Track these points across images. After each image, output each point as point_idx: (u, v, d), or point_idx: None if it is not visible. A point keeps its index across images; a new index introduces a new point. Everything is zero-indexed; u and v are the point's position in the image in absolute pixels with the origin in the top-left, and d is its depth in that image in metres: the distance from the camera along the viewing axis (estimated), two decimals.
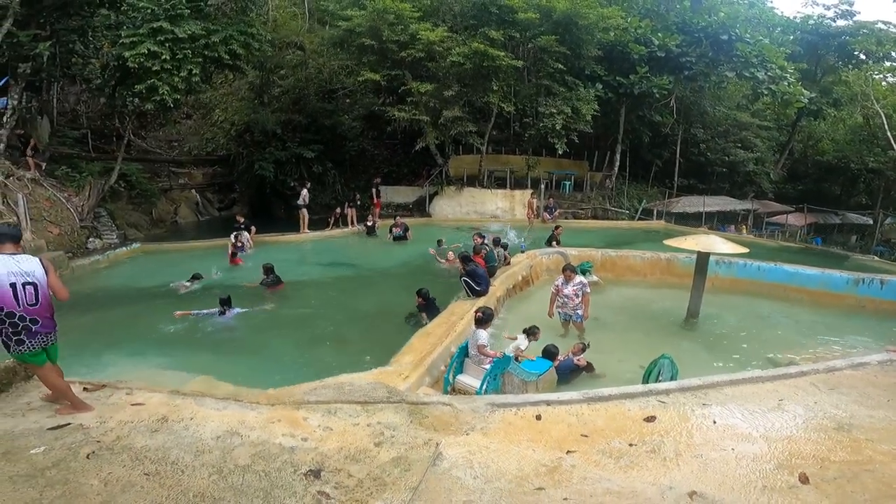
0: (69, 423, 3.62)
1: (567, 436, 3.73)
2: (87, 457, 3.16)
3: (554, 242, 12.47)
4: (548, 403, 4.19)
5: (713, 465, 3.40)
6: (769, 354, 7.69)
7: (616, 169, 20.89)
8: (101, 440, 3.41)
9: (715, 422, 4.02)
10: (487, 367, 5.29)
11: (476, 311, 5.63)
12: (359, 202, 17.33)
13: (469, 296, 8.24)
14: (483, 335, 5.50)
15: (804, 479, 3.25)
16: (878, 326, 9.23)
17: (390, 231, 14.64)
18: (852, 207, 28.23)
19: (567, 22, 15.98)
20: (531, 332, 6.64)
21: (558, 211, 17.64)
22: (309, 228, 15.51)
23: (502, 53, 15.07)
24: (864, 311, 10.09)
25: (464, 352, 5.42)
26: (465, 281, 8.25)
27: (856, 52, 25.59)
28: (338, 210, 16.84)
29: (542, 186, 18.39)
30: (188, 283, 10.01)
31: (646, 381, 5.59)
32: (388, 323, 8.35)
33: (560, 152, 17.01)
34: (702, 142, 24.69)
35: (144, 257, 12.88)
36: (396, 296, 9.82)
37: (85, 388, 4.27)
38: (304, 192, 15.43)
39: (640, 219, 20.09)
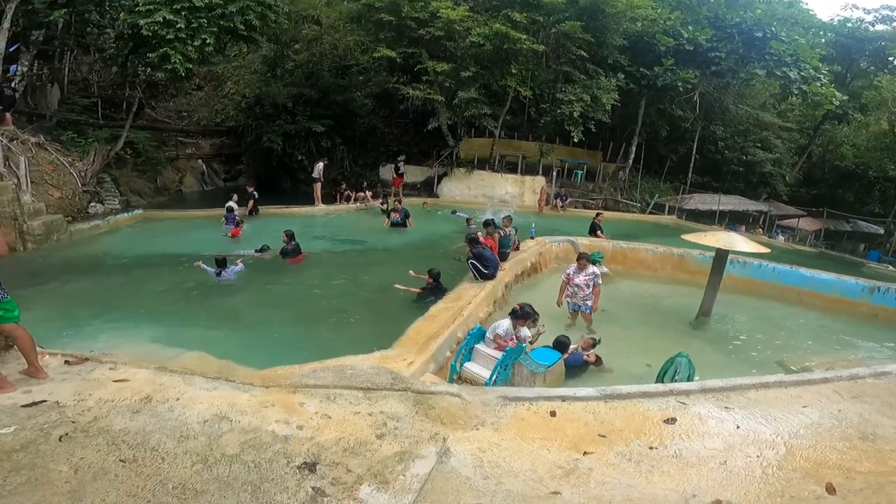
0: (45, 401, 3.35)
1: (584, 435, 3.52)
2: (60, 439, 2.90)
3: (598, 232, 12.18)
4: (563, 399, 3.97)
5: (737, 473, 3.22)
6: (781, 358, 7.43)
7: (630, 161, 20.42)
8: (77, 420, 3.14)
9: (738, 427, 3.82)
10: (498, 355, 5.03)
11: (518, 305, 5.34)
12: (365, 185, 17.07)
13: (477, 279, 7.96)
14: (505, 324, 5.23)
15: (831, 490, 3.10)
16: (892, 336, 8.95)
17: (388, 216, 13.61)
18: (864, 216, 27.67)
19: (594, 9, 15.46)
20: (514, 313, 6.28)
21: (569, 199, 17.24)
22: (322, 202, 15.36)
23: (524, 36, 14.57)
24: (877, 319, 9.80)
25: (474, 338, 5.15)
26: (472, 263, 7.96)
27: (890, 58, 24.81)
28: (342, 185, 16.61)
29: (554, 174, 17.95)
30: (257, 253, 9.85)
31: (661, 379, 5.38)
32: (394, 303, 8.04)
33: (576, 140, 16.56)
34: (720, 139, 24.10)
35: (145, 224, 12.67)
36: (405, 275, 9.59)
37: (67, 361, 4.00)
38: (321, 164, 15.30)
39: (651, 213, 19.67)
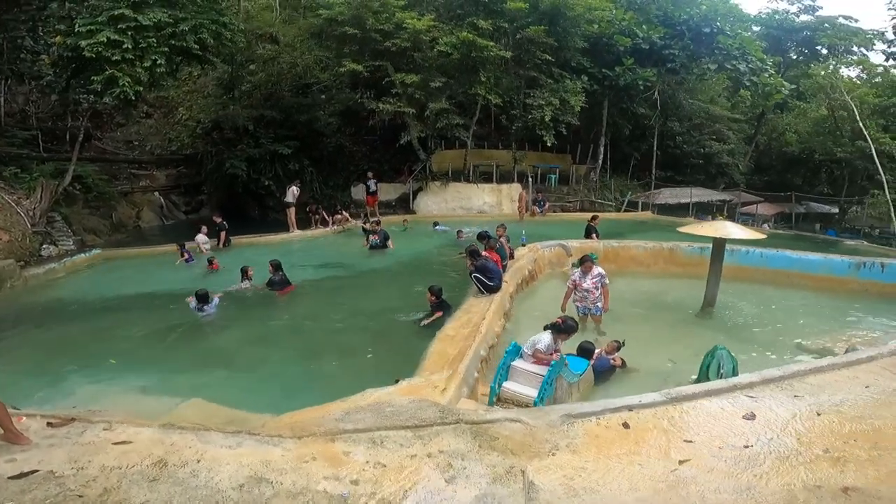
0: (36, 471, 2.76)
1: (668, 443, 3.29)
2: None
3: (594, 235, 12.04)
4: (630, 409, 3.73)
5: (845, 458, 3.11)
6: (798, 341, 7.44)
7: (600, 161, 20.72)
8: (85, 494, 2.59)
9: (819, 413, 3.69)
10: (540, 371, 4.65)
11: (559, 318, 4.98)
12: (339, 207, 16.51)
13: (482, 292, 7.58)
14: (546, 339, 4.86)
15: None
16: (887, 309, 9.19)
17: (367, 238, 12.86)
18: (814, 197, 29.25)
19: (554, 12, 15.65)
20: (556, 328, 6.02)
21: (548, 204, 17.22)
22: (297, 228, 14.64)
23: (490, 44, 14.50)
24: (868, 294, 10.07)
25: (511, 356, 4.75)
26: (476, 277, 7.58)
27: (818, 47, 26.47)
28: (314, 206, 15.94)
29: (530, 180, 17.93)
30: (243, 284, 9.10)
31: (704, 373, 5.20)
32: (395, 327, 7.58)
33: (548, 144, 16.61)
34: (678, 134, 24.89)
35: (106, 264, 11.62)
36: (399, 296, 9.09)
37: (49, 423, 3.37)
38: (294, 188, 14.59)
39: (625, 210, 19.95)
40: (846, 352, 6.87)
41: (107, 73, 11.23)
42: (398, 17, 14.45)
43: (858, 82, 27.06)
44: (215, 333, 7.49)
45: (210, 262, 10.65)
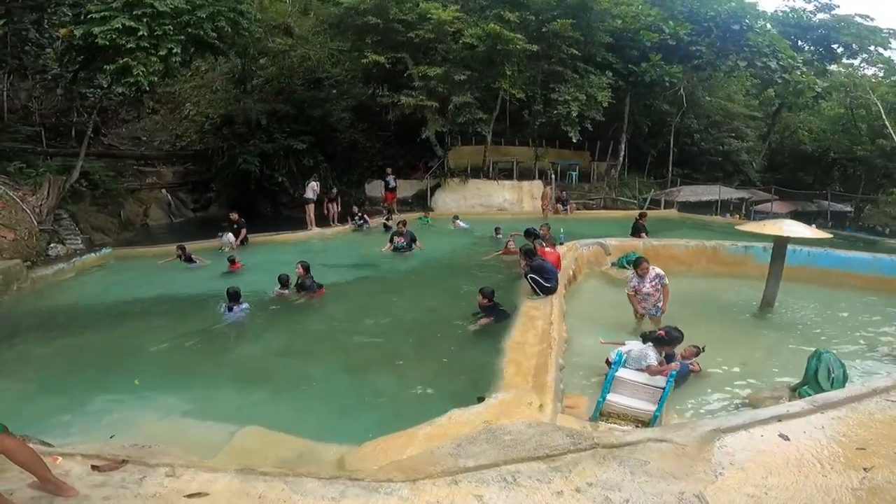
0: None
1: (837, 452, 2.99)
2: None
3: (643, 233, 11.61)
4: (779, 420, 3.36)
5: None
6: (882, 341, 6.97)
7: (621, 159, 20.20)
8: None
9: None
10: (651, 382, 4.11)
11: (660, 330, 4.46)
12: (356, 209, 15.92)
13: (538, 294, 7.03)
14: (652, 354, 4.32)
15: None
16: None
17: (391, 240, 11.71)
18: (829, 195, 28.89)
19: (580, 6, 15.12)
20: (660, 341, 5.42)
21: (572, 203, 16.68)
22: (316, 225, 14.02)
23: (518, 36, 13.94)
24: None
25: (617, 366, 4.20)
26: (531, 278, 7.03)
27: (834, 46, 26.09)
28: (332, 192, 15.27)
29: (553, 177, 17.38)
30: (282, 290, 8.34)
31: (814, 378, 4.84)
32: (440, 333, 6.95)
33: (574, 140, 16.06)
34: (695, 132, 24.46)
35: (118, 264, 11.01)
36: (437, 299, 8.50)
37: (94, 467, 2.74)
38: (314, 184, 13.97)
39: (647, 208, 19.42)
40: None
41: (120, 61, 10.65)
42: (422, 7, 13.86)
43: (874, 80, 26.68)
44: (246, 343, 6.82)
45: (232, 261, 10.00)
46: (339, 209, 15.23)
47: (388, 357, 6.24)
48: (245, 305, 7.53)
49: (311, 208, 13.92)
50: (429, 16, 13.66)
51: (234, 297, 7.30)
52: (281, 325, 7.38)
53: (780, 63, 17.17)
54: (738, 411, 3.98)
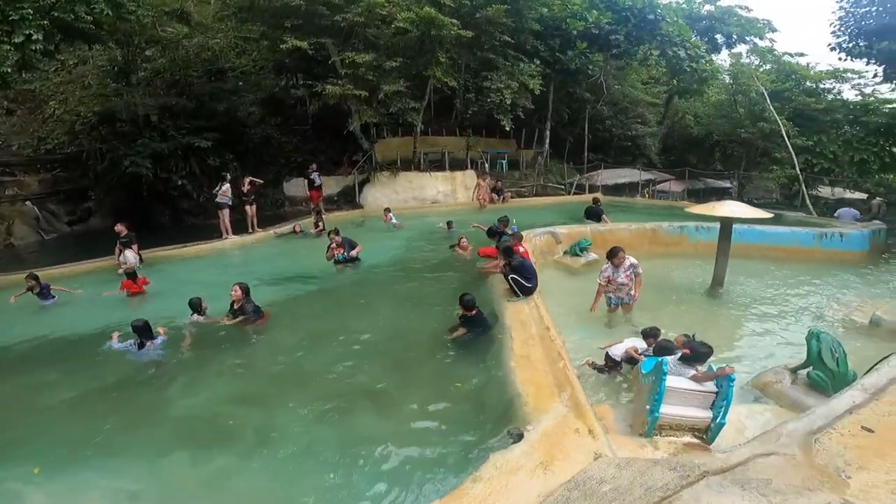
0: None
1: None
2: None
3: (604, 216, 11.89)
4: (850, 411, 3.39)
5: None
6: (842, 315, 7.57)
7: (546, 146, 20.55)
8: None
9: None
10: (700, 388, 3.77)
11: (685, 349, 4.07)
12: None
13: (518, 295, 6.56)
14: (688, 371, 3.96)
15: None
16: (861, 276, 9.80)
17: (328, 249, 10.06)
18: (711, 174, 32.31)
19: None
20: (651, 335, 5.26)
21: (507, 192, 16.56)
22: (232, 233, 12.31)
23: (453, 21, 13.23)
24: (832, 262, 10.71)
25: (666, 376, 3.79)
26: (512, 279, 6.54)
27: (717, 36, 28.83)
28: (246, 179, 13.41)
29: (486, 167, 17.13)
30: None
31: (818, 358, 4.88)
32: (415, 352, 6.16)
33: (508, 129, 15.87)
34: (607, 118, 25.74)
35: None
36: (400, 311, 7.63)
37: None
38: (226, 185, 12.22)
39: (574, 193, 20.02)
40: (870, 320, 7.05)
41: None
42: None
43: (754, 68, 29.98)
44: (180, 391, 5.47)
45: (132, 277, 8.29)
46: (257, 210, 13.38)
47: (364, 390, 5.33)
48: (161, 339, 6.26)
49: (225, 214, 12.23)
50: None
51: (143, 330, 6.04)
52: (219, 362, 6.07)
53: (688, 52, 18.38)
54: (813, 409, 3.80)
